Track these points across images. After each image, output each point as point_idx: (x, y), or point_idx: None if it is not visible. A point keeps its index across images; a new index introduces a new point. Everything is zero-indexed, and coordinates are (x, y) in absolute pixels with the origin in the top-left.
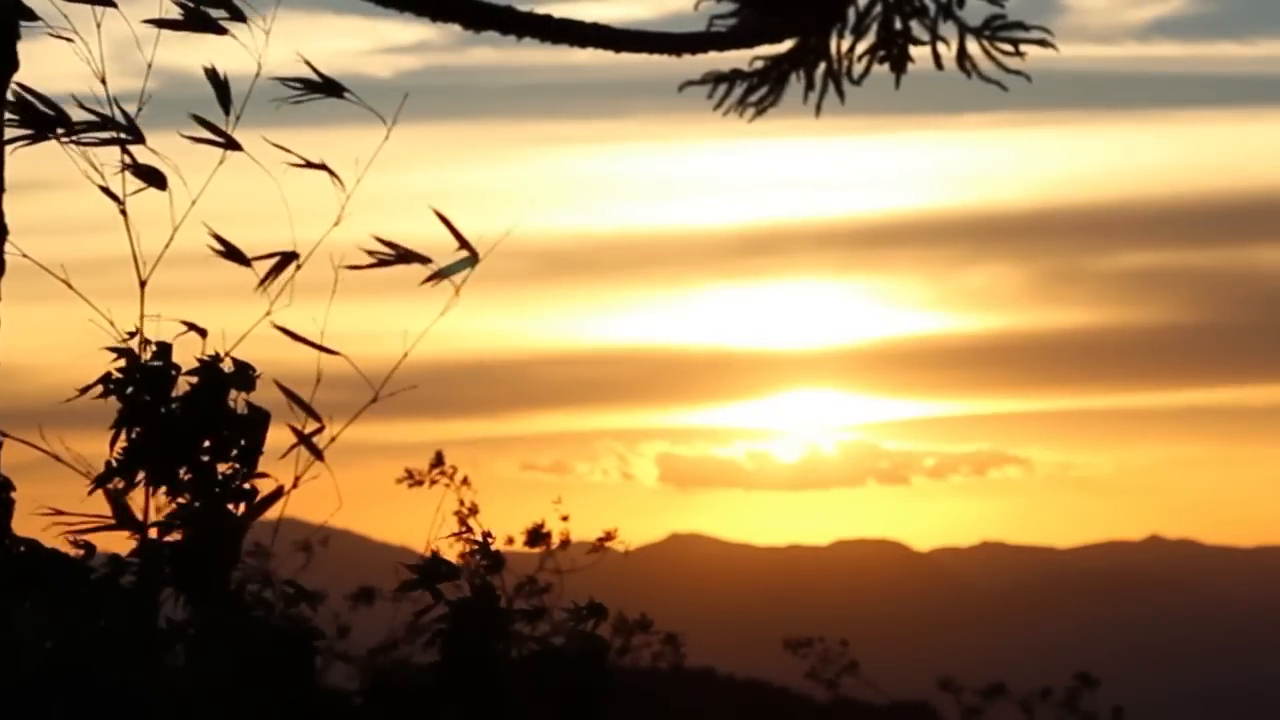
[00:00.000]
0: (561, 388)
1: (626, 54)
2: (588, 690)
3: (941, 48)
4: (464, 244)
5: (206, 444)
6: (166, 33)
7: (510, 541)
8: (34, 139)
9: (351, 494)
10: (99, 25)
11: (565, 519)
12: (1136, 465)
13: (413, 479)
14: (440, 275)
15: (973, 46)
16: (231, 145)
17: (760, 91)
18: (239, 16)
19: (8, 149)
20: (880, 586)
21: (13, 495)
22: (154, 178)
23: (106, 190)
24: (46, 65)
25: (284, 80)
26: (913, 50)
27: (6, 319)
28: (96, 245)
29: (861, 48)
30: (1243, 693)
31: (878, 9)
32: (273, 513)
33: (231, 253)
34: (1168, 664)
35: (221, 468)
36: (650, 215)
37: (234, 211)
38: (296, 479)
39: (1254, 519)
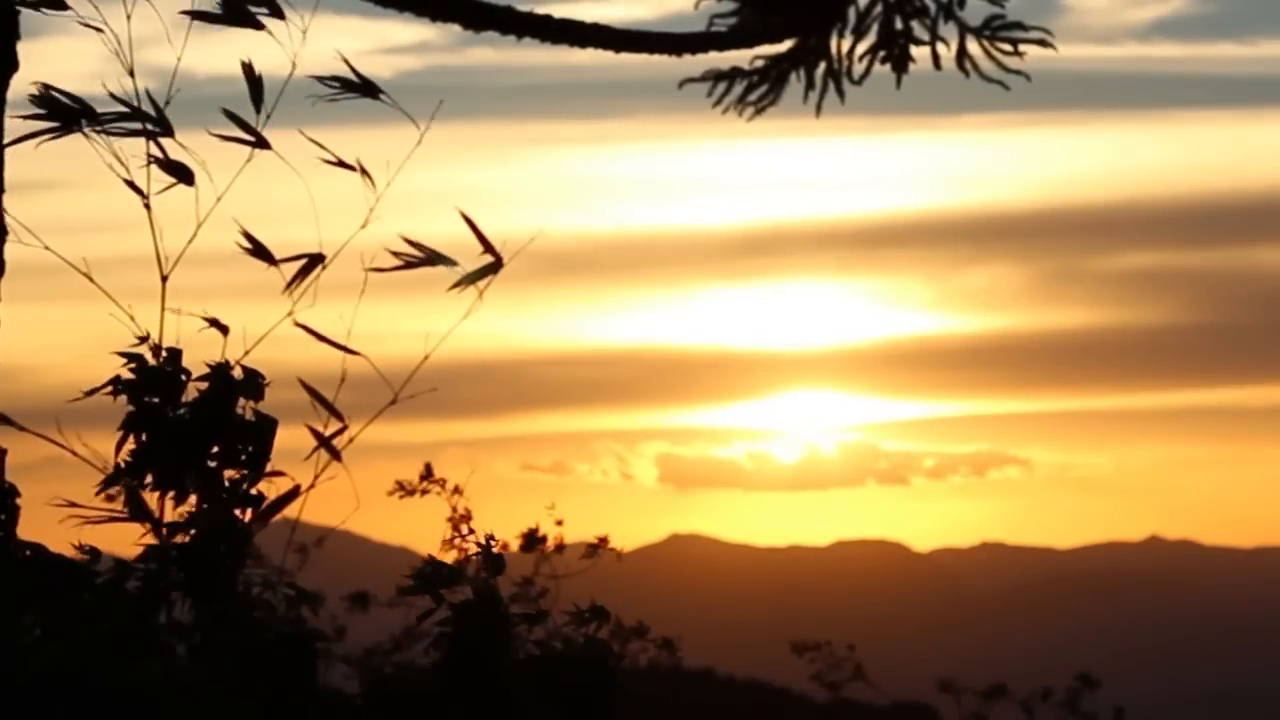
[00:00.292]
0: (561, 388)
1: (626, 54)
2: (591, 693)
3: (941, 48)
4: (488, 248)
5: (214, 450)
6: (184, 32)
7: (505, 546)
8: (60, 132)
9: (347, 495)
10: (129, 16)
11: (560, 523)
12: (1136, 466)
13: (404, 490)
14: (466, 282)
15: (973, 46)
16: (261, 144)
17: (760, 90)
18: (278, 14)
19: (31, 144)
20: (880, 587)
21: (18, 501)
22: (181, 173)
23: (131, 184)
24: (67, 63)
25: (321, 79)
26: (913, 50)
27: (8, 319)
28: (117, 244)
29: (862, 48)
30: (1243, 692)
31: (878, 9)
32: (290, 511)
33: (259, 251)
34: (1168, 664)
35: (229, 473)
36: (650, 215)
37: (258, 211)
38: (315, 479)
39: (1254, 519)
